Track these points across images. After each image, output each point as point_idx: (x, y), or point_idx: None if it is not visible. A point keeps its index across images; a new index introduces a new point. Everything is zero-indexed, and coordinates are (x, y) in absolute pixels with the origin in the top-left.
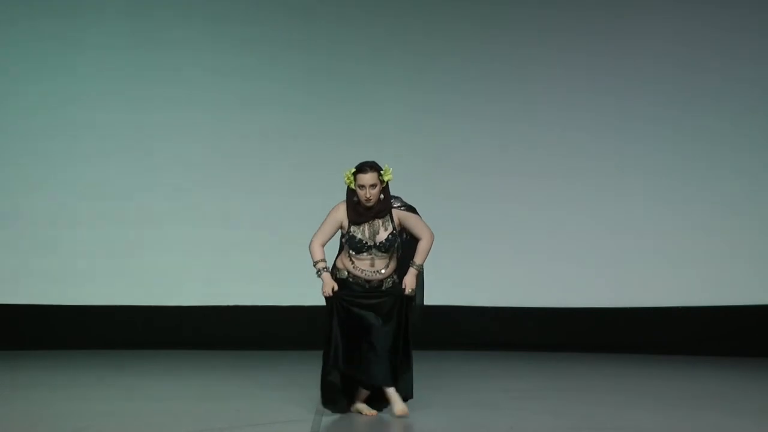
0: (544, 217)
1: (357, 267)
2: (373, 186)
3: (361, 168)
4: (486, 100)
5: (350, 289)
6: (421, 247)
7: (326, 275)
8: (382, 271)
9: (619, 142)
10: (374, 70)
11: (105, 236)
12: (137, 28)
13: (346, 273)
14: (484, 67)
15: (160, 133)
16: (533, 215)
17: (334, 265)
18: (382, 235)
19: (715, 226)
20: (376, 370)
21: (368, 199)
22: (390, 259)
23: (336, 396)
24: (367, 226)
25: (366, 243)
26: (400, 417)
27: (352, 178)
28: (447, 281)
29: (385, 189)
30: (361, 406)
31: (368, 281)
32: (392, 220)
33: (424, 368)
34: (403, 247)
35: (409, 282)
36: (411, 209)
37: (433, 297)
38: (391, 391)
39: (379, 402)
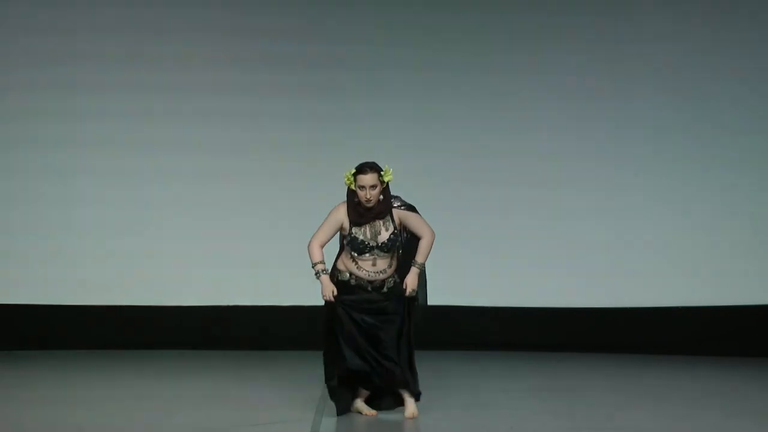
0: (545, 217)
1: (360, 268)
2: (373, 187)
3: (361, 169)
4: (486, 101)
5: (351, 293)
6: (423, 245)
7: (325, 278)
8: (385, 270)
9: (618, 142)
10: (375, 70)
11: (105, 236)
12: (136, 22)
13: (348, 274)
14: (485, 72)
15: (160, 133)
16: (533, 215)
17: (335, 266)
18: (384, 236)
19: (715, 226)
20: (385, 376)
21: (368, 200)
22: (392, 258)
23: (341, 395)
24: (368, 227)
25: (368, 244)
26: (410, 419)
27: (352, 178)
28: (447, 281)
29: (385, 190)
30: (361, 406)
31: (371, 282)
32: (393, 220)
33: (424, 368)
34: (403, 246)
35: (410, 282)
36: (411, 208)
37: (433, 297)
38: (405, 394)
39: (379, 402)
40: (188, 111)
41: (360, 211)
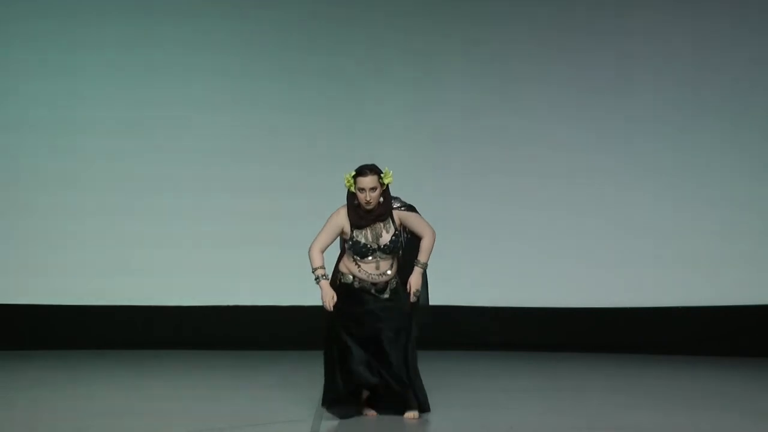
0: (545, 217)
1: (362, 270)
2: (373, 189)
3: (361, 171)
4: (485, 100)
5: (354, 297)
6: (424, 245)
7: (325, 283)
8: (388, 272)
9: (619, 142)
10: (376, 69)
11: (105, 236)
12: (138, 28)
13: (351, 277)
14: (487, 66)
15: (161, 133)
16: (533, 215)
17: (337, 269)
18: (386, 238)
19: (715, 226)
20: (394, 398)
21: (368, 202)
22: (393, 260)
23: (342, 401)
24: (369, 230)
25: (370, 247)
26: (411, 419)
27: (352, 181)
28: (447, 281)
29: (385, 192)
30: (361, 407)
31: (374, 284)
32: (393, 222)
33: (424, 368)
34: (404, 246)
35: (414, 282)
36: (411, 208)
37: (433, 297)
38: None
39: (379, 402)
40: (189, 114)
41: (360, 214)
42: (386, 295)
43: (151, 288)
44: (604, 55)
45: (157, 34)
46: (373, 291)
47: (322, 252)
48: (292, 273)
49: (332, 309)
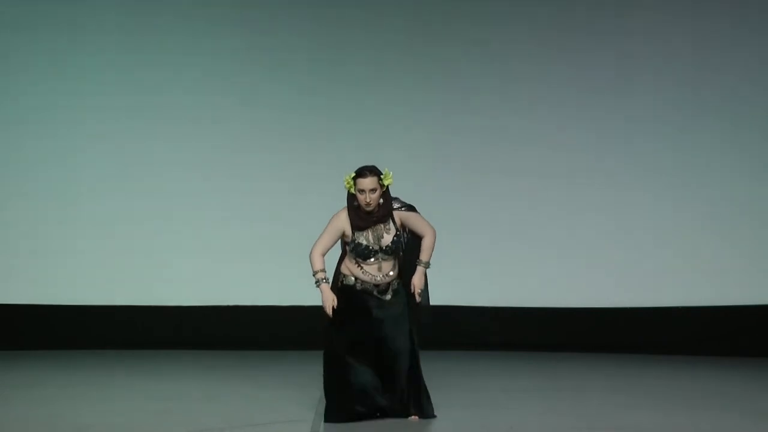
0: (545, 217)
1: (365, 272)
2: (373, 190)
3: (361, 172)
4: (486, 100)
5: (356, 298)
6: (426, 244)
7: (325, 287)
8: (390, 273)
9: (619, 142)
10: (377, 68)
11: (105, 236)
12: (138, 29)
13: (354, 279)
14: (488, 67)
15: (161, 133)
16: (533, 216)
17: (339, 271)
18: (387, 239)
19: (715, 226)
20: (396, 397)
21: (368, 204)
22: (395, 260)
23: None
24: (370, 231)
25: (372, 248)
26: (411, 419)
27: (351, 182)
28: (447, 281)
29: (385, 193)
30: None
31: (377, 285)
32: (394, 222)
33: (424, 368)
34: (405, 246)
35: (417, 282)
36: (411, 208)
37: (433, 297)
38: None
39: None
40: (189, 115)
41: (361, 215)
42: (388, 297)
43: (151, 288)
44: (604, 55)
45: (158, 33)
46: (375, 292)
47: (323, 255)
48: (292, 273)
49: (332, 314)
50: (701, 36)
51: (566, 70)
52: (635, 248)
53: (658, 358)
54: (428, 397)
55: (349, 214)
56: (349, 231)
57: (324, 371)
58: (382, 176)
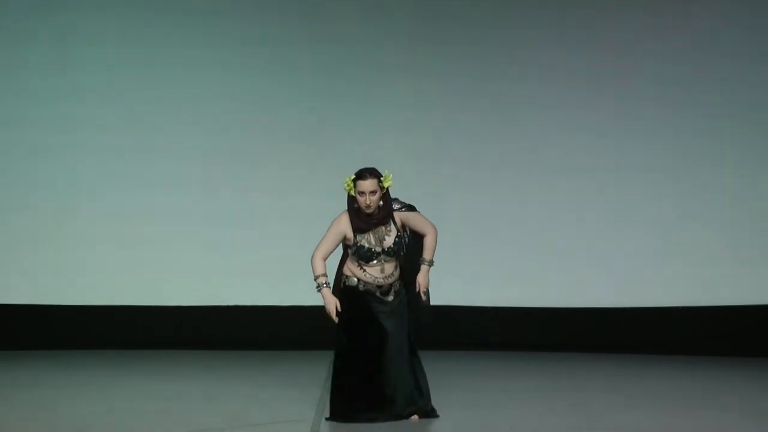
0: (545, 217)
1: (368, 274)
2: (373, 192)
3: (361, 174)
4: (487, 100)
5: (359, 300)
6: (428, 242)
7: (326, 291)
8: (393, 274)
9: (619, 142)
10: (377, 68)
11: (105, 236)
12: (139, 27)
13: (356, 280)
14: (489, 67)
15: (160, 133)
16: (533, 216)
17: (342, 272)
18: (389, 241)
19: (715, 226)
20: (397, 397)
21: (368, 206)
22: (397, 261)
23: (346, 404)
24: (372, 234)
25: (374, 251)
26: (412, 420)
27: (351, 184)
28: (447, 281)
29: (385, 195)
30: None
31: (379, 287)
32: (395, 223)
33: (424, 368)
34: (406, 246)
35: (423, 281)
36: (411, 208)
37: (433, 297)
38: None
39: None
40: (189, 114)
41: (362, 217)
42: (390, 298)
43: (151, 288)
44: (605, 55)
45: (158, 32)
46: (378, 294)
47: (325, 259)
48: (292, 273)
49: (336, 318)
50: (702, 35)
51: (567, 71)
52: (635, 248)
53: (658, 358)
54: (429, 397)
55: (349, 217)
56: (350, 234)
57: (333, 371)
58: (381, 178)
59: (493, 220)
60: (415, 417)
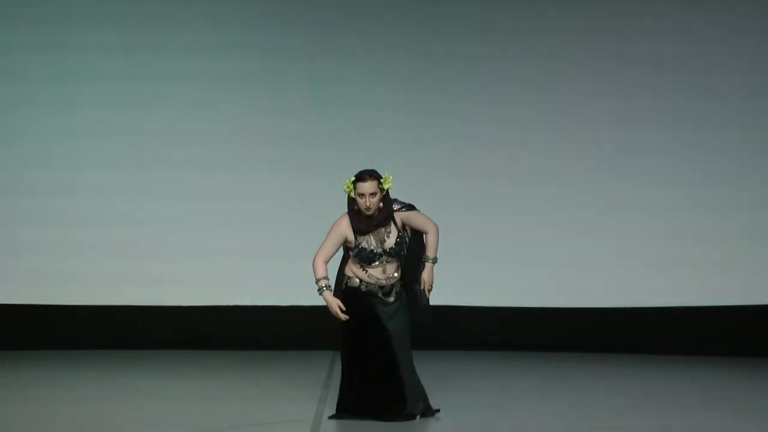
0: (545, 217)
1: (370, 275)
2: (372, 194)
3: (361, 176)
4: (485, 102)
5: (361, 301)
6: (430, 240)
7: (327, 293)
8: (395, 274)
9: (619, 143)
10: (375, 72)
11: (105, 236)
12: (138, 33)
13: (358, 281)
14: (486, 71)
15: (160, 134)
16: (533, 216)
17: (343, 273)
18: (390, 242)
19: (715, 226)
20: (398, 396)
21: (368, 208)
22: (398, 262)
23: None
24: (373, 236)
25: (375, 252)
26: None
27: (351, 186)
28: (447, 281)
29: (385, 197)
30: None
31: (381, 287)
32: (395, 224)
33: (424, 368)
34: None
35: (428, 279)
36: (410, 207)
37: (433, 297)
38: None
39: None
40: (189, 120)
41: (362, 219)
42: (392, 299)
43: (151, 288)
44: (605, 55)
45: (156, 40)
46: (379, 294)
47: (326, 263)
48: (292, 273)
49: (344, 316)
50: (701, 41)
51: (567, 70)
52: (635, 248)
53: (658, 358)
54: (426, 397)
55: (350, 219)
56: (351, 237)
57: (341, 370)
58: (381, 180)
59: (493, 220)
60: (417, 416)
